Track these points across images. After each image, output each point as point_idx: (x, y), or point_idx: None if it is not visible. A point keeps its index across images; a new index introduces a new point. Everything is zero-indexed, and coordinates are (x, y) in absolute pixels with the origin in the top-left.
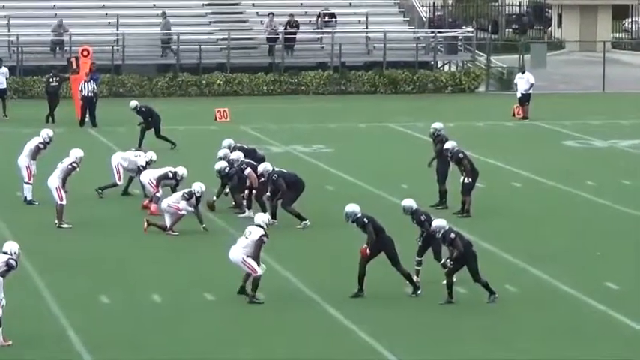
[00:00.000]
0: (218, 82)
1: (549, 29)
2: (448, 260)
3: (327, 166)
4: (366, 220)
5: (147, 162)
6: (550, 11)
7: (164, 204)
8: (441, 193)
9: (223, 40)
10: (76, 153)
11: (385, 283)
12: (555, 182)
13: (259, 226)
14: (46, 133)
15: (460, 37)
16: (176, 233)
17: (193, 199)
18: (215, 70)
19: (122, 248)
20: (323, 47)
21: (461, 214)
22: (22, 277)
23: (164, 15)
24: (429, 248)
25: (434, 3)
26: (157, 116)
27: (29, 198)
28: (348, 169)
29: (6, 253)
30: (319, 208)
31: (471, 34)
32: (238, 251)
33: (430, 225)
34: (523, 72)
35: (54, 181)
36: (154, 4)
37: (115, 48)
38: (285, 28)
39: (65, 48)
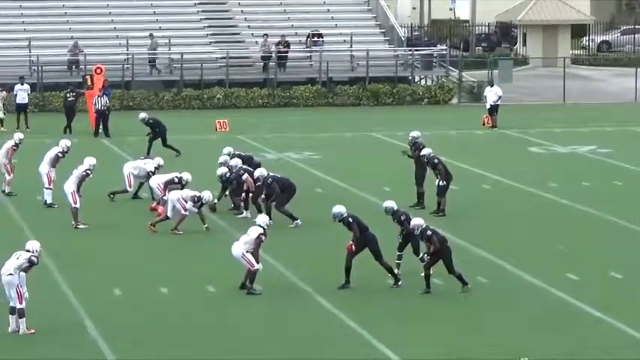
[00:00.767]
0: (218, 96)
1: (515, 47)
2: (425, 255)
3: (317, 171)
4: (351, 219)
5: (155, 167)
6: (516, 31)
7: (174, 195)
8: (419, 194)
9: (222, 58)
10: (89, 161)
11: (370, 275)
12: (521, 184)
13: (260, 226)
14: (65, 143)
15: (435, 55)
16: (181, 232)
17: (199, 204)
18: (215, 86)
19: (132, 246)
20: (312, 64)
21: (436, 213)
22: (43, 272)
23: (151, 36)
24: (408, 244)
25: (411, 24)
26: (163, 127)
27: (49, 201)
28: (335, 174)
29: (28, 251)
30: (310, 208)
31: (444, 52)
32: (239, 247)
33: (409, 224)
34: (492, 85)
35: (69, 186)
36: (160, 27)
37: (126, 66)
38: (278, 47)
39: (80, 66)
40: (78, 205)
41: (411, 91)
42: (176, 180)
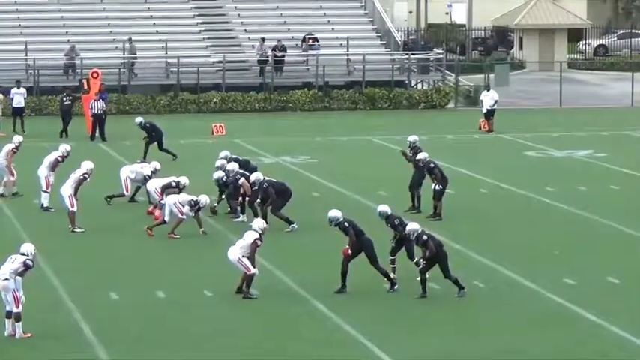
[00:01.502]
0: (214, 100)
1: (511, 51)
2: (421, 260)
3: (313, 175)
4: (347, 224)
5: (152, 171)
6: (512, 35)
7: (171, 199)
8: (415, 198)
9: (219, 62)
10: (87, 165)
11: (367, 280)
12: (518, 188)
13: (255, 230)
14: (65, 148)
15: (431, 59)
16: (177, 236)
17: (196, 208)
18: (212, 90)
19: (129, 250)
20: (308, 68)
21: (433, 217)
22: (39, 276)
23: (130, 40)
24: (401, 248)
25: (408, 28)
26: (159, 131)
27: (46, 205)
28: (331, 178)
29: (23, 254)
30: (306, 212)
31: (441, 56)
32: (236, 251)
33: (403, 228)
34: (488, 89)
35: (66, 190)
36: (157, 31)
37: (122, 70)
38: (274, 52)
39: (77, 70)
40: (75, 209)
41: (407, 95)
42: (173, 184)
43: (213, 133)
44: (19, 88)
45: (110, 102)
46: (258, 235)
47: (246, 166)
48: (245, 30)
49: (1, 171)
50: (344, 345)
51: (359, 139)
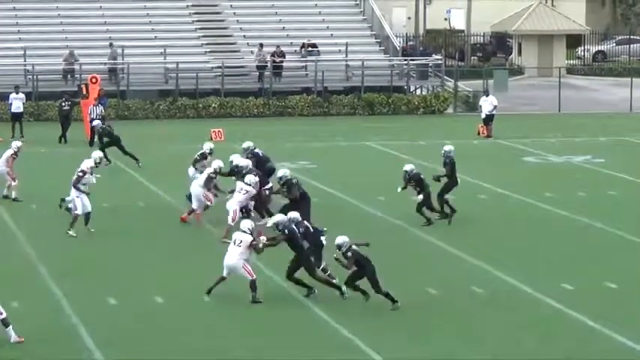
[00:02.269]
0: (213, 105)
1: (510, 57)
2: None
3: (312, 180)
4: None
5: (215, 171)
6: (511, 41)
7: (197, 190)
8: (441, 204)
9: (218, 67)
10: (86, 164)
11: (366, 287)
12: (516, 194)
13: (245, 232)
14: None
15: (430, 65)
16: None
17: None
18: (210, 95)
19: (126, 254)
20: (307, 74)
21: (444, 217)
22: (38, 280)
23: (111, 45)
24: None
25: (406, 33)
26: (116, 137)
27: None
28: (330, 183)
29: None
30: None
31: (440, 62)
32: (235, 258)
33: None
34: (487, 95)
35: (73, 192)
36: (155, 36)
37: (121, 76)
38: (273, 57)
39: (76, 75)
40: (79, 212)
41: (406, 101)
42: (213, 175)
43: (211, 139)
44: (17, 93)
45: (109, 107)
46: (252, 237)
47: (264, 165)
48: (244, 35)
49: (2, 177)
50: (343, 350)
51: (357, 145)
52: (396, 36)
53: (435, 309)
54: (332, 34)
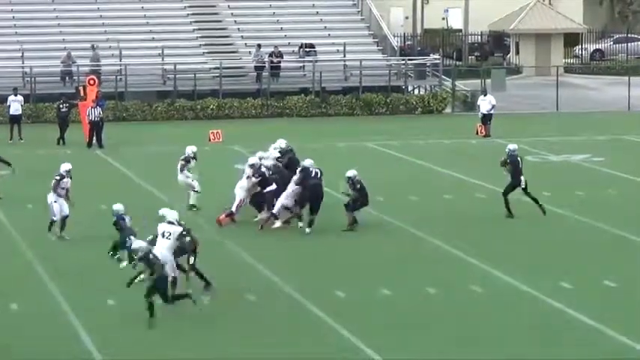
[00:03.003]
0: (211, 106)
1: (508, 56)
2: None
3: None
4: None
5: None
6: (508, 40)
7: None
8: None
9: (216, 68)
10: (64, 167)
11: (366, 287)
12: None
13: (172, 222)
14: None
15: (428, 64)
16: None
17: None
18: (209, 96)
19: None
20: (305, 74)
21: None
22: (36, 281)
23: (93, 47)
24: None
25: (404, 33)
26: None
27: None
28: (328, 183)
29: None
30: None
31: (437, 61)
32: (167, 252)
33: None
34: (485, 94)
35: (50, 197)
36: (153, 37)
37: (119, 77)
38: (271, 58)
39: (73, 77)
40: (55, 218)
41: (404, 101)
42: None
43: (210, 140)
44: (16, 95)
45: (107, 109)
46: (181, 227)
47: (294, 166)
48: (242, 36)
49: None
50: (341, 349)
51: (356, 145)
52: (394, 36)
53: (434, 309)
54: (329, 35)
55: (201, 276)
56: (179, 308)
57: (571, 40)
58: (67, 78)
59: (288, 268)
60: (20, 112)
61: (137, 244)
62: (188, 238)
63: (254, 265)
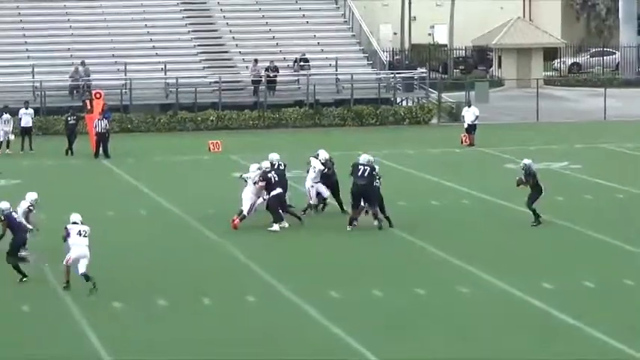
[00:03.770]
0: (211, 118)
1: (491, 69)
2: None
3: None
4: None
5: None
6: (491, 54)
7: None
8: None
9: (215, 82)
10: (31, 196)
11: (357, 285)
12: (498, 199)
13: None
14: (30, 196)
15: (415, 77)
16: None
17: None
18: (209, 108)
19: (127, 261)
20: (299, 87)
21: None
22: (42, 282)
23: (83, 63)
24: None
25: (393, 48)
26: None
27: None
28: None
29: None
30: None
31: (424, 75)
32: (85, 249)
33: None
34: (469, 106)
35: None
36: (157, 53)
37: (124, 91)
38: (267, 72)
39: (81, 91)
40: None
41: (393, 112)
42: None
43: (209, 150)
44: (27, 108)
45: (113, 121)
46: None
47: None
48: (239, 52)
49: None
50: (334, 349)
51: (348, 154)
52: (383, 51)
53: (422, 309)
54: (322, 50)
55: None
56: (181, 312)
57: (550, 54)
58: (74, 92)
59: (284, 270)
60: (31, 124)
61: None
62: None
63: (246, 264)
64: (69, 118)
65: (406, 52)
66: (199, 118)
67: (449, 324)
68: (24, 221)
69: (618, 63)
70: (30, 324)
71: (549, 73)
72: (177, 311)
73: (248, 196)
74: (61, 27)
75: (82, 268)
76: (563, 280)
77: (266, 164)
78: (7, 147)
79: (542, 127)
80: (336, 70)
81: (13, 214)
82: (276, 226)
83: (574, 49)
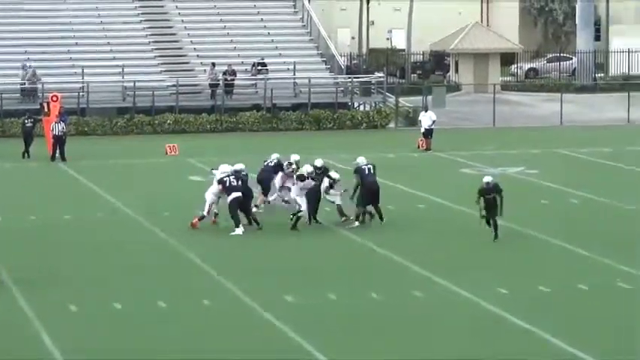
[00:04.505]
0: (168, 121)
1: (448, 74)
2: None
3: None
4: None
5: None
6: (448, 59)
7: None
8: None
9: (173, 86)
10: None
11: (313, 292)
12: (454, 204)
13: None
14: None
15: (373, 82)
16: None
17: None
18: (166, 112)
19: (84, 263)
20: (257, 91)
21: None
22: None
23: (23, 67)
24: None
25: (350, 53)
26: None
27: None
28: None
29: None
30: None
31: (382, 79)
32: None
33: None
34: (426, 110)
35: None
36: (114, 56)
37: (81, 94)
38: (225, 76)
39: (38, 94)
40: None
41: (350, 116)
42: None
43: (167, 153)
44: None
45: (70, 124)
46: None
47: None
48: (197, 55)
49: None
50: (288, 352)
51: (305, 159)
52: (341, 55)
53: (378, 312)
54: (280, 54)
55: None
56: (137, 314)
57: (507, 59)
58: (30, 95)
59: (240, 274)
60: None
61: None
62: None
63: (199, 265)
64: (26, 121)
65: (364, 57)
66: (156, 122)
67: (402, 328)
68: None
69: (575, 68)
70: None
71: (506, 79)
72: (133, 314)
73: (210, 197)
74: (17, 30)
75: None
76: (518, 285)
77: (239, 166)
78: None
79: (498, 132)
80: (294, 74)
81: None
82: (238, 230)
83: (531, 54)
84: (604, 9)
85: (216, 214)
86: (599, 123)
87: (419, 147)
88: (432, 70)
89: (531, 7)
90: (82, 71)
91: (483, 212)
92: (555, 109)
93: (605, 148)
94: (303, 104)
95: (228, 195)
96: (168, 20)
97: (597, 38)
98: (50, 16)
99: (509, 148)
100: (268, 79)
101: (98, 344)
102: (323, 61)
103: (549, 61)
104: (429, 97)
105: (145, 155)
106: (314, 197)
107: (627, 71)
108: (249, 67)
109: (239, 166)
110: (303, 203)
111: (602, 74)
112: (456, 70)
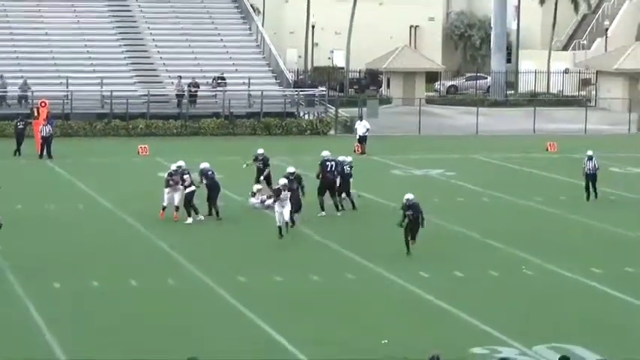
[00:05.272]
0: (140, 126)
1: (381, 89)
2: None
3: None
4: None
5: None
6: (381, 76)
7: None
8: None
9: (144, 95)
10: None
11: (260, 274)
12: (385, 200)
13: None
14: None
15: (316, 95)
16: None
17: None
18: (138, 117)
19: (66, 247)
20: (217, 101)
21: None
22: None
23: (1, 77)
24: None
25: (297, 69)
26: None
27: None
28: (234, 190)
29: None
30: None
31: (324, 93)
32: None
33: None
34: (361, 120)
35: None
36: (94, 69)
37: (65, 101)
38: (189, 87)
39: (29, 100)
40: None
41: (296, 124)
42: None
43: (139, 153)
44: None
45: (56, 127)
46: None
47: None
48: (166, 69)
49: None
50: (242, 326)
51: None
52: (289, 71)
53: (317, 292)
54: (237, 69)
55: None
56: (112, 291)
57: (432, 77)
58: (23, 101)
59: (205, 260)
60: None
61: None
62: None
63: (176, 258)
64: (18, 124)
65: (309, 73)
66: (130, 126)
67: (339, 306)
68: None
69: (489, 86)
70: None
71: (430, 94)
72: (108, 291)
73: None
74: (10, 45)
75: None
76: (436, 270)
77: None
78: None
79: (423, 139)
80: (249, 87)
81: None
82: (189, 219)
83: (452, 73)
84: (515, 35)
85: (176, 208)
86: (509, 133)
87: (355, 151)
88: (367, 86)
89: (453, 33)
90: (67, 81)
91: (404, 223)
92: (472, 120)
93: (513, 154)
94: (256, 113)
95: (185, 189)
96: (141, 39)
97: (509, 61)
98: (40, 34)
99: (432, 153)
100: (226, 90)
101: (79, 317)
102: (274, 76)
103: (468, 79)
104: (364, 109)
105: (120, 155)
106: (297, 201)
107: (534, 89)
108: (210, 81)
109: (204, 165)
110: (277, 217)
111: (513, 91)
112: (388, 86)
